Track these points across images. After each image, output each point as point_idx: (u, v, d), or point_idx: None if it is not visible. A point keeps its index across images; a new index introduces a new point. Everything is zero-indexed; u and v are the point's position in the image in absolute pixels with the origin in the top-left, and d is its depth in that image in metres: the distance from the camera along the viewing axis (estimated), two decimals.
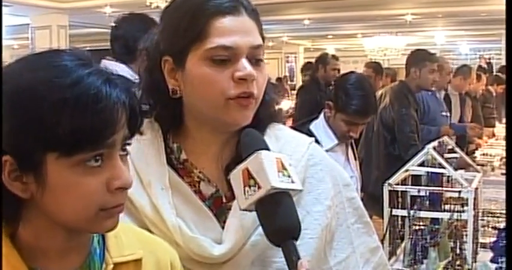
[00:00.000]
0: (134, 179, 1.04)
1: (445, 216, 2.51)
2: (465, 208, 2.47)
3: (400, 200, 2.58)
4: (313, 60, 6.23)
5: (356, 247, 1.22)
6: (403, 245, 2.67)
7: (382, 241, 2.37)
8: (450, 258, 2.48)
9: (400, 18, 12.62)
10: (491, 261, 2.60)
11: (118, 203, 0.84)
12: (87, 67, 0.82)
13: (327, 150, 1.79)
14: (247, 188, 0.97)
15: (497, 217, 3.03)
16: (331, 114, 2.67)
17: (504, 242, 2.59)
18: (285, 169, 0.99)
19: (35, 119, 0.78)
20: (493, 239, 2.76)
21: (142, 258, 0.93)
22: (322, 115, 2.73)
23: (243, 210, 0.99)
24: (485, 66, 11.44)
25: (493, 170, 4.34)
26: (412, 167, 2.75)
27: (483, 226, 2.95)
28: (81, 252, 0.88)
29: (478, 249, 2.67)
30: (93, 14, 11.41)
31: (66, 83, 0.79)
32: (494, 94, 7.40)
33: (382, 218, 2.63)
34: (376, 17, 12.92)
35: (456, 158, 3.34)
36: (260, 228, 1.00)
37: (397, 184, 2.59)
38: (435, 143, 3.00)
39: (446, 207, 2.57)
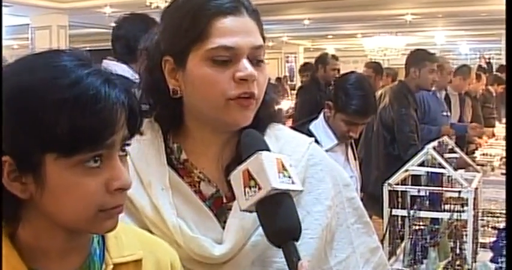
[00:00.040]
0: (134, 179, 1.04)
1: (444, 216, 2.51)
2: (465, 208, 2.47)
3: (400, 200, 2.57)
4: (313, 60, 6.23)
5: (356, 247, 1.22)
6: (403, 245, 2.67)
7: (382, 241, 2.37)
8: (450, 258, 2.48)
9: (400, 18, 12.62)
10: (491, 261, 2.60)
11: (117, 203, 0.84)
12: (87, 67, 0.82)
13: (326, 150, 1.79)
14: (247, 189, 0.97)
15: (497, 217, 3.03)
16: (331, 114, 2.67)
17: (504, 242, 2.59)
18: (286, 170, 0.99)
19: (33, 119, 0.78)
20: (493, 239, 2.76)
21: (143, 258, 0.93)
22: (321, 115, 2.73)
23: (243, 211, 0.99)
24: (485, 66, 11.45)
25: (492, 170, 4.34)
26: (412, 167, 2.75)
27: (483, 226, 2.95)
28: (81, 253, 0.88)
29: (478, 249, 2.67)
30: (93, 14, 11.41)
31: (65, 83, 0.79)
32: (494, 94, 7.40)
33: (382, 218, 2.63)
34: (376, 17, 12.92)
35: (456, 158, 3.34)
36: (260, 228, 0.99)
37: (397, 184, 2.58)
38: (435, 143, 3.00)
39: (446, 207, 2.56)
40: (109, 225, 0.85)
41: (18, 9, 10.27)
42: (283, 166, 0.99)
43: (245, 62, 1.07)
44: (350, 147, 2.81)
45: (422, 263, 2.51)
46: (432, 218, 2.58)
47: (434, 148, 2.85)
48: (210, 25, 1.07)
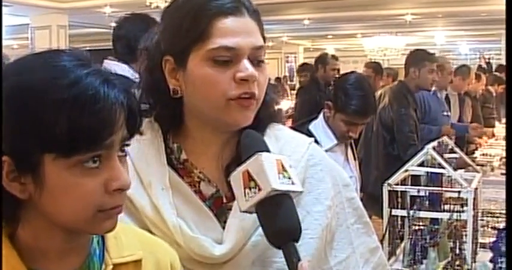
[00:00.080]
0: (134, 179, 1.04)
1: (444, 216, 2.51)
2: (465, 208, 2.47)
3: (399, 200, 2.57)
4: (313, 60, 6.24)
5: (356, 247, 1.22)
6: (402, 245, 2.67)
7: (381, 241, 2.37)
8: (450, 259, 2.48)
9: (399, 18, 12.62)
10: (491, 261, 2.60)
11: (116, 204, 0.84)
12: (86, 67, 0.82)
13: (326, 151, 1.78)
14: (247, 190, 0.97)
15: (497, 217, 3.03)
16: (331, 114, 2.67)
17: (504, 242, 2.59)
18: (285, 171, 0.99)
19: (32, 119, 0.78)
20: (493, 239, 2.75)
21: (142, 259, 0.92)
22: (321, 115, 2.73)
23: (243, 212, 0.99)
24: (485, 66, 11.45)
25: (492, 170, 4.34)
26: (412, 167, 2.75)
27: (483, 226, 2.95)
28: (81, 253, 0.88)
29: (478, 249, 2.67)
30: (92, 14, 11.41)
31: (64, 83, 0.79)
32: (494, 94, 7.40)
33: (382, 218, 2.63)
34: (376, 17, 12.92)
35: (456, 158, 3.34)
36: (261, 228, 0.99)
37: (397, 184, 2.58)
38: (435, 143, 3.01)
39: (446, 207, 2.56)
40: (108, 225, 0.85)
41: (18, 9, 10.27)
42: (283, 167, 0.99)
43: (246, 63, 1.07)
44: (350, 147, 2.81)
45: (422, 263, 2.51)
46: (432, 218, 2.58)
47: (434, 148, 2.85)
48: (211, 25, 1.07)
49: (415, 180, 2.78)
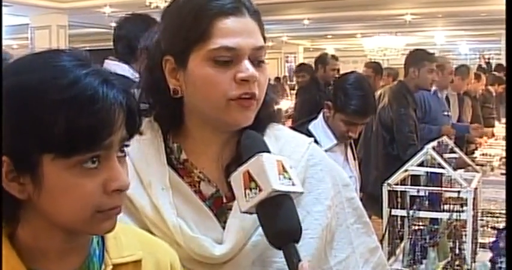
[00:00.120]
0: (134, 179, 1.04)
1: (444, 216, 2.51)
2: (464, 208, 2.47)
3: (399, 200, 2.57)
4: (312, 60, 6.24)
5: (355, 247, 1.22)
6: (402, 245, 2.67)
7: (381, 241, 2.37)
8: (449, 259, 2.48)
9: (399, 18, 12.63)
10: (491, 261, 2.60)
11: (115, 204, 0.83)
12: (85, 67, 0.82)
13: (325, 150, 1.78)
14: (248, 191, 0.97)
15: (497, 217, 3.03)
16: (330, 114, 2.67)
17: (503, 242, 2.59)
18: (286, 171, 0.99)
19: (31, 119, 0.78)
20: (492, 239, 2.75)
21: (142, 259, 0.92)
22: (321, 115, 2.73)
23: (244, 212, 0.99)
24: (485, 66, 11.45)
25: (492, 170, 4.34)
26: (412, 167, 2.75)
27: (482, 226, 2.95)
28: (80, 254, 0.88)
29: (477, 249, 2.67)
30: (92, 14, 11.42)
31: (63, 84, 0.79)
32: (494, 94, 7.40)
33: (381, 218, 2.63)
34: (376, 17, 12.92)
35: (455, 158, 3.34)
36: (261, 228, 0.99)
37: (396, 184, 2.58)
38: (434, 143, 3.01)
39: (446, 207, 2.56)
40: (107, 226, 0.84)
41: (18, 9, 10.27)
42: (283, 168, 0.99)
43: (246, 63, 1.07)
44: (349, 147, 2.81)
45: (421, 263, 2.51)
46: (431, 218, 2.58)
47: (433, 148, 2.85)
48: (212, 25, 1.07)
49: (414, 180, 2.77)
